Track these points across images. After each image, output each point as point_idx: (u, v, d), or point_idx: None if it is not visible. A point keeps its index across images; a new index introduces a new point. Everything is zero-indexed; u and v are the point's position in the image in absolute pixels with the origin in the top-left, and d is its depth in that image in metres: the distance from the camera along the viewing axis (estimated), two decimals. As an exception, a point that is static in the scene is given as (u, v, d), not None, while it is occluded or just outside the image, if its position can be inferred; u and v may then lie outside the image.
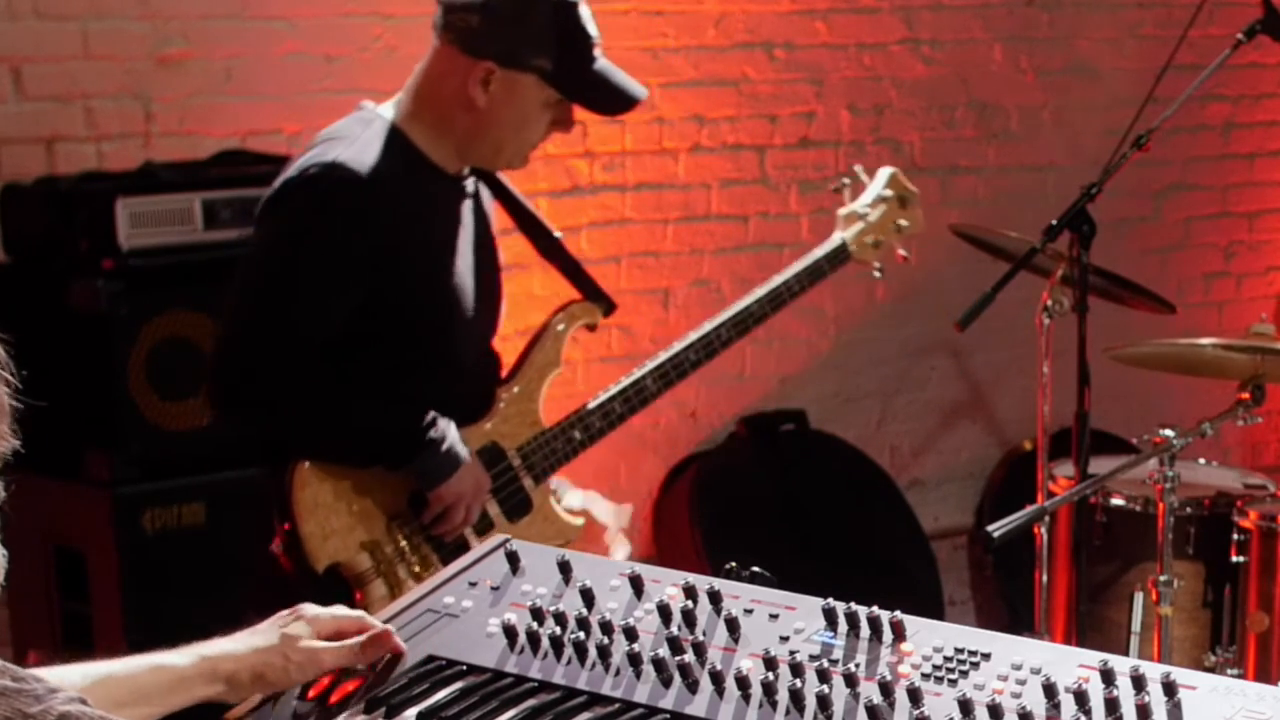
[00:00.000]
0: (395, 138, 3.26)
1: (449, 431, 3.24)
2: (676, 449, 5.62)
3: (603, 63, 3.33)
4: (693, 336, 3.51)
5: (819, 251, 3.61)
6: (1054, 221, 4.10)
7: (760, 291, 3.56)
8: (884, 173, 3.69)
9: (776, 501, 5.63)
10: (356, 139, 3.23)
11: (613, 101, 3.37)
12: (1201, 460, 4.73)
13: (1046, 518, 4.12)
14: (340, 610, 2.19)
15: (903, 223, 3.66)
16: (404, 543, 3.27)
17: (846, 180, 3.67)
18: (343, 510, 3.23)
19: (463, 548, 3.32)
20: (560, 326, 3.48)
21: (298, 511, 3.19)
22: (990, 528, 3.61)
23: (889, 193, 3.67)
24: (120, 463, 4.19)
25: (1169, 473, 4.03)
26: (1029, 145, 6.13)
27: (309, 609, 2.16)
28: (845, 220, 3.65)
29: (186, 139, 4.65)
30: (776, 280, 3.58)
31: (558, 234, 3.55)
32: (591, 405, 3.44)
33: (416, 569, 3.27)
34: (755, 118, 5.63)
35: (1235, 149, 6.54)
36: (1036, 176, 6.10)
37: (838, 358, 5.87)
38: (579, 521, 3.48)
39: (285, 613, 2.16)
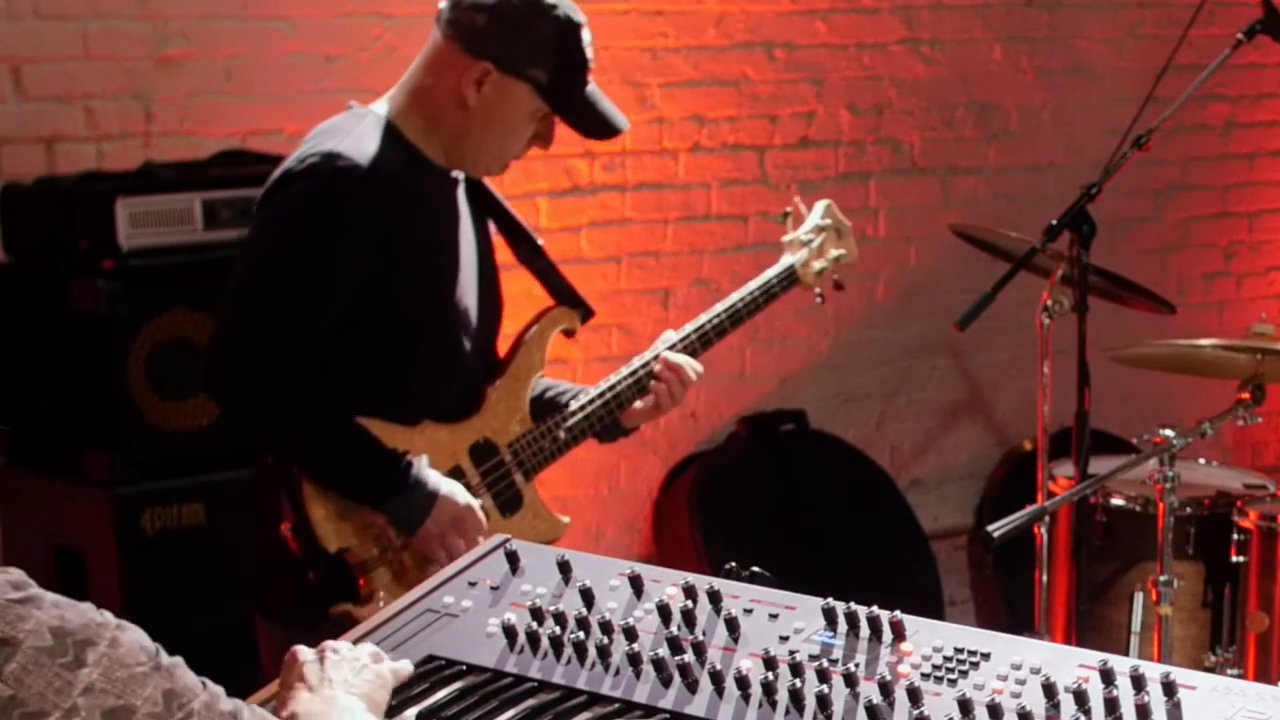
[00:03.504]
0: (390, 131, 3.29)
1: (423, 471, 3.24)
2: (676, 449, 5.62)
3: (593, 88, 3.39)
4: (660, 345, 3.57)
5: (771, 272, 3.72)
6: (1054, 221, 4.11)
7: (720, 307, 3.65)
8: (820, 205, 3.82)
9: (776, 501, 5.63)
10: (352, 132, 3.26)
11: (597, 126, 3.41)
12: (1201, 460, 4.73)
13: (1046, 518, 4.12)
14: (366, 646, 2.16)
15: (840, 252, 3.75)
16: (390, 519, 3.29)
17: (788, 210, 3.78)
18: None
19: None
20: (543, 332, 3.53)
21: (307, 496, 3.22)
22: (990, 528, 3.61)
23: (827, 222, 3.78)
24: (120, 463, 4.19)
25: (1169, 473, 4.03)
26: (1029, 145, 6.13)
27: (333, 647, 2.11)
28: (790, 246, 3.75)
29: (186, 139, 4.65)
30: (734, 297, 3.66)
31: (540, 240, 3.58)
32: (574, 407, 3.50)
33: (420, 557, 3.30)
34: (755, 118, 5.63)
35: (1235, 149, 6.54)
36: (1036, 176, 6.10)
37: (838, 358, 5.87)
38: (566, 520, 3.54)
39: (307, 659, 2.08)
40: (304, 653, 2.06)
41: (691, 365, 3.56)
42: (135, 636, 1.66)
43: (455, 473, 3.34)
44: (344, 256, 3.19)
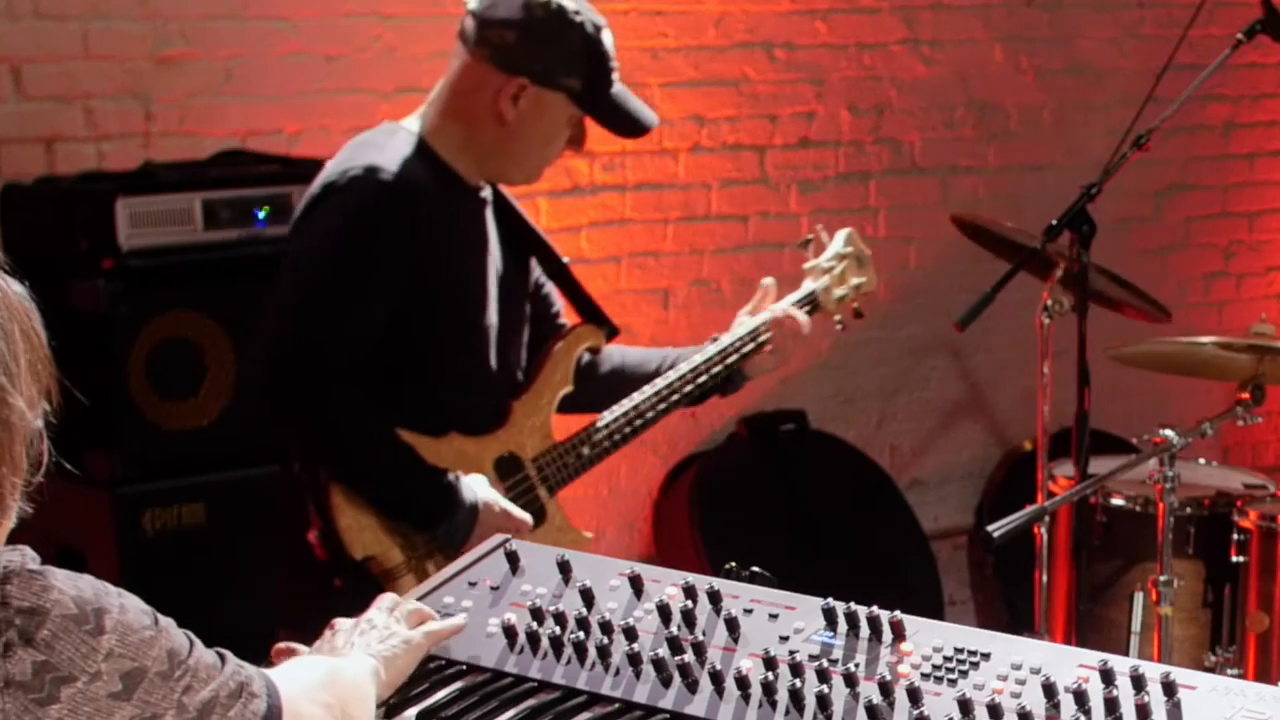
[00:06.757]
0: (422, 148, 3.35)
1: (463, 490, 3.28)
2: (676, 449, 5.62)
3: (620, 87, 3.45)
4: (684, 368, 3.58)
5: (795, 297, 3.73)
6: (1054, 221, 4.10)
7: (743, 329, 3.64)
8: (843, 233, 3.83)
9: (776, 501, 5.63)
10: (386, 147, 3.32)
11: (631, 125, 3.49)
12: (1201, 460, 4.73)
13: (1046, 518, 4.12)
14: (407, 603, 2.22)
15: (861, 280, 3.78)
16: (434, 539, 3.31)
17: (810, 237, 3.81)
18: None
19: None
20: (569, 349, 3.58)
21: (334, 504, 3.25)
22: (990, 528, 3.61)
23: (849, 250, 3.79)
24: (120, 463, 4.19)
25: (1169, 473, 4.03)
26: (1029, 145, 6.13)
27: (342, 622, 2.18)
28: (812, 273, 3.77)
29: (186, 139, 4.65)
30: (762, 318, 3.64)
31: (566, 259, 3.62)
32: (599, 424, 3.52)
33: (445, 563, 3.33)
34: (755, 118, 5.63)
35: (1235, 149, 6.54)
36: (1036, 176, 6.10)
37: (838, 358, 5.87)
38: (589, 535, 3.57)
39: (344, 628, 2.16)
40: (342, 622, 2.17)
41: (804, 320, 3.62)
42: (136, 602, 1.76)
43: None
44: (387, 267, 3.25)
